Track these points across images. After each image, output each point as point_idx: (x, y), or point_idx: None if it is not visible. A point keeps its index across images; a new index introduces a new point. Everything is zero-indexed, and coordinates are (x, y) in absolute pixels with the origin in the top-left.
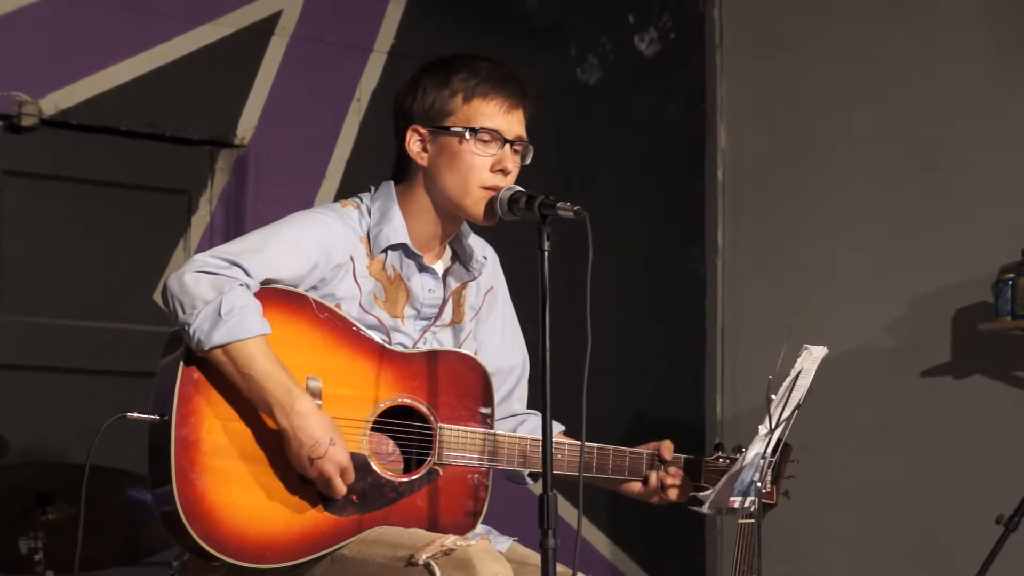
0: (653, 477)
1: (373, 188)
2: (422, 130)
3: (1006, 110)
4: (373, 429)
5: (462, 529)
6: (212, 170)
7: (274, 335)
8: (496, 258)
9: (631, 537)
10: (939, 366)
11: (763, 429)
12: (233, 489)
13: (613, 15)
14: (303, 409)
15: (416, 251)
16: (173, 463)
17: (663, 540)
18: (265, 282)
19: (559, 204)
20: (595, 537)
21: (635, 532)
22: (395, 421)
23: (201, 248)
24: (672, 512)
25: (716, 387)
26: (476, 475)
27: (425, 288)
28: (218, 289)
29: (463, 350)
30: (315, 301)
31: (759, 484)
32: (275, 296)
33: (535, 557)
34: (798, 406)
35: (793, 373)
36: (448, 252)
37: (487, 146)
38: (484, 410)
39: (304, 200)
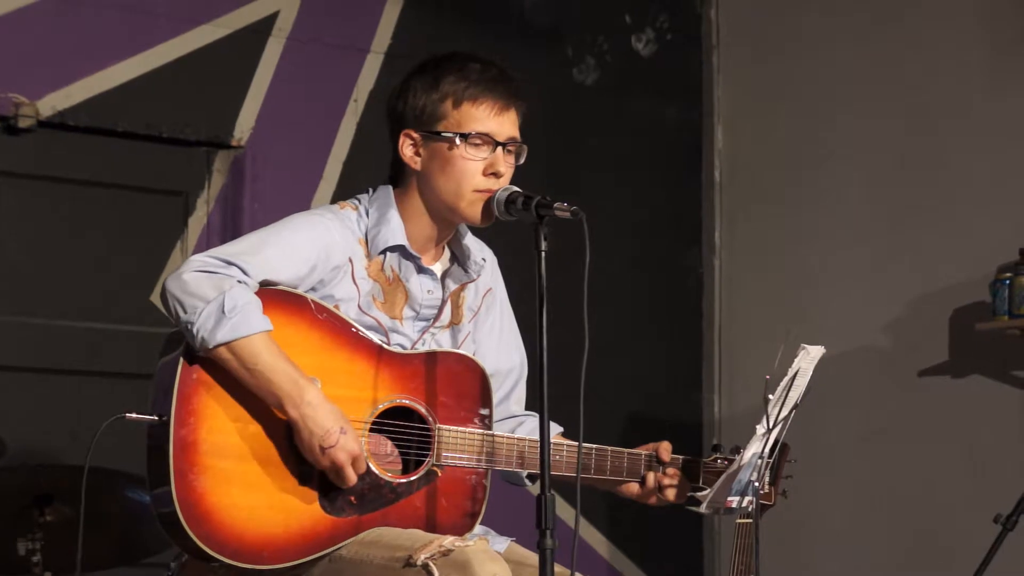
0: (651, 478)
1: (371, 190)
2: (414, 134)
3: (1002, 110)
4: (371, 430)
5: (460, 530)
6: (209, 171)
7: (273, 335)
8: (495, 260)
9: (629, 537)
10: (937, 365)
11: (760, 429)
12: (232, 490)
13: (610, 16)
14: (312, 399)
15: (414, 253)
16: (172, 464)
17: (661, 540)
18: (263, 283)
19: (556, 204)
20: (593, 537)
21: (633, 532)
22: (393, 422)
23: (198, 249)
24: (670, 512)
25: (713, 387)
26: (474, 476)
27: (424, 289)
28: (219, 288)
29: (462, 351)
30: (314, 302)
31: (757, 484)
32: (274, 297)
33: (533, 557)
34: (796, 406)
35: (790, 373)
36: (446, 253)
37: (479, 150)
38: (483, 411)
39: (301, 201)
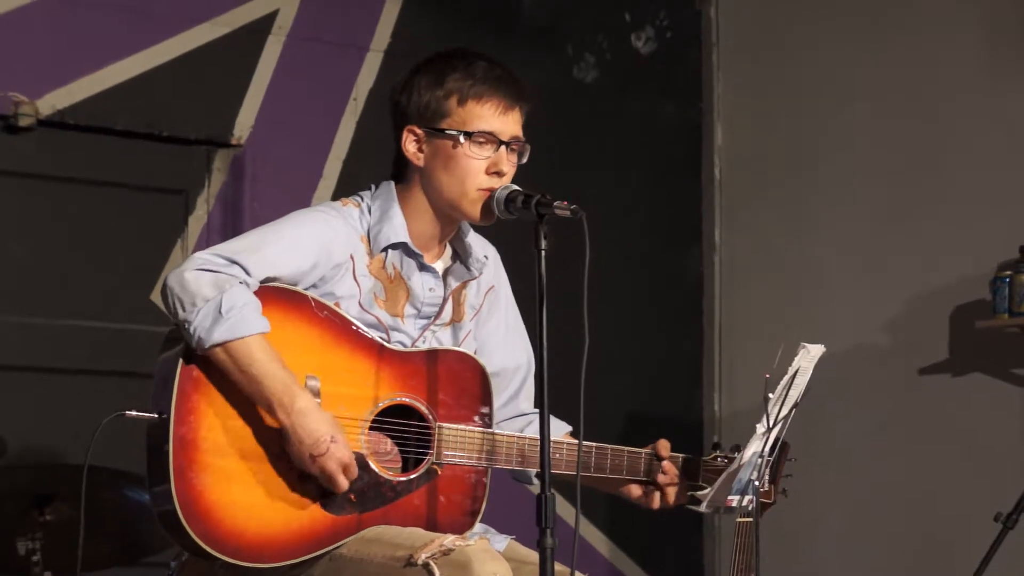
0: (656, 472)
1: (373, 187)
2: (418, 131)
3: (1002, 107)
4: (371, 428)
5: (460, 528)
6: (209, 170)
7: (273, 333)
8: (498, 257)
9: (629, 536)
10: (937, 363)
11: (761, 428)
12: (232, 488)
13: (610, 14)
14: (303, 407)
15: (416, 250)
16: (171, 462)
17: (661, 539)
18: (265, 280)
19: (556, 203)
20: (594, 536)
21: (633, 531)
22: (394, 420)
23: (199, 248)
24: (670, 511)
25: (714, 385)
26: (474, 474)
27: (426, 287)
28: (218, 287)
29: (462, 349)
30: (314, 300)
31: (757, 483)
32: (274, 294)
33: (533, 556)
34: (796, 404)
35: (791, 371)
36: (448, 251)
37: (482, 148)
38: (483, 409)
39: (301, 200)
